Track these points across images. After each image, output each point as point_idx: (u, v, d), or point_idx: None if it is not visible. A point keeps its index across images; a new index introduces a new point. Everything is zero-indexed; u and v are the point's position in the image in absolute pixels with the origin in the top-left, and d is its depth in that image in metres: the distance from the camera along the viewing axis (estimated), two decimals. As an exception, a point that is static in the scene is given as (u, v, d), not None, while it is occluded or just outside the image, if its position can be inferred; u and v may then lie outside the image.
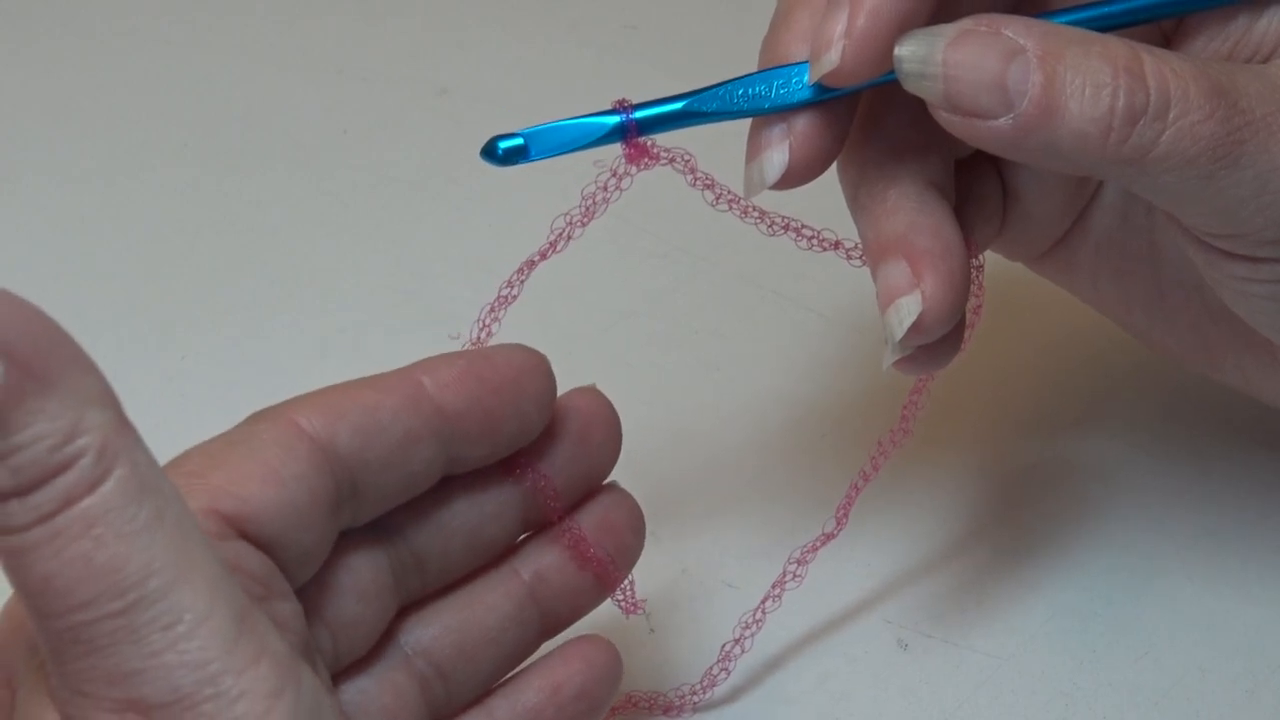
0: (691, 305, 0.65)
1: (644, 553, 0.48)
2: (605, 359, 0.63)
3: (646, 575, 0.48)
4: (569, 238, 0.45)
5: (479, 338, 0.46)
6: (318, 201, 0.72)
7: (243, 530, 0.38)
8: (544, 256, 0.45)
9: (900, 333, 0.43)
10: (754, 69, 0.44)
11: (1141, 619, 0.53)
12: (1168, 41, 0.46)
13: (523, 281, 0.46)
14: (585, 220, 0.45)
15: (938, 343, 0.44)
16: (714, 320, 0.65)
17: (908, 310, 0.43)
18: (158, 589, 0.32)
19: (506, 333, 0.46)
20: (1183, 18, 0.45)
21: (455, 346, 0.45)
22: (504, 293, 0.46)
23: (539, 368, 0.44)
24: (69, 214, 0.71)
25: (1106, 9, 0.44)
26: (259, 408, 0.41)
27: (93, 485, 0.32)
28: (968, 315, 0.45)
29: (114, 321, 0.65)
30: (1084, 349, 0.62)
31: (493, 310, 0.46)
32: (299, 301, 0.66)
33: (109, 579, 0.32)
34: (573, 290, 0.65)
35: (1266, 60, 0.44)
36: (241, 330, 0.65)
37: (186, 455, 0.39)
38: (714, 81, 0.44)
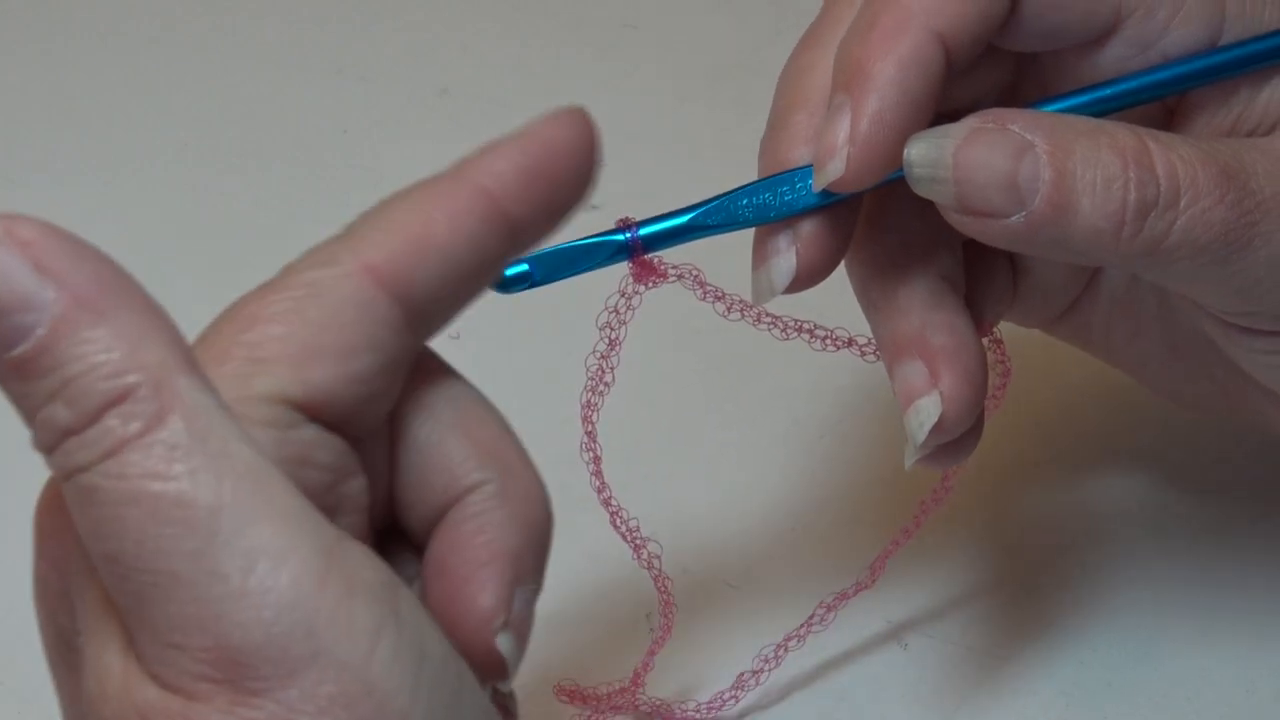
0: (690, 304, 0.65)
1: (644, 552, 0.48)
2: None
3: (647, 574, 0.48)
4: (611, 368, 0.45)
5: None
6: (318, 201, 0.72)
7: (315, 414, 0.34)
8: (590, 403, 0.45)
9: (922, 436, 0.43)
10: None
11: (1141, 619, 0.53)
12: (1171, 116, 0.45)
13: (590, 430, 0.45)
14: (612, 351, 0.45)
15: (959, 438, 0.44)
16: (714, 320, 0.64)
17: (928, 413, 0.43)
18: (232, 527, 0.31)
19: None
20: (1184, 94, 0.44)
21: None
22: (586, 450, 0.46)
23: (589, 147, 0.39)
24: (69, 214, 0.71)
25: (1109, 90, 0.43)
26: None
27: (155, 419, 0.31)
28: (990, 388, 0.45)
29: (114, 321, 0.64)
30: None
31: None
32: (299, 301, 0.66)
33: (181, 515, 0.31)
34: (575, 287, 0.65)
35: (1270, 132, 0.43)
36: (241, 330, 0.65)
37: (241, 319, 0.36)
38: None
